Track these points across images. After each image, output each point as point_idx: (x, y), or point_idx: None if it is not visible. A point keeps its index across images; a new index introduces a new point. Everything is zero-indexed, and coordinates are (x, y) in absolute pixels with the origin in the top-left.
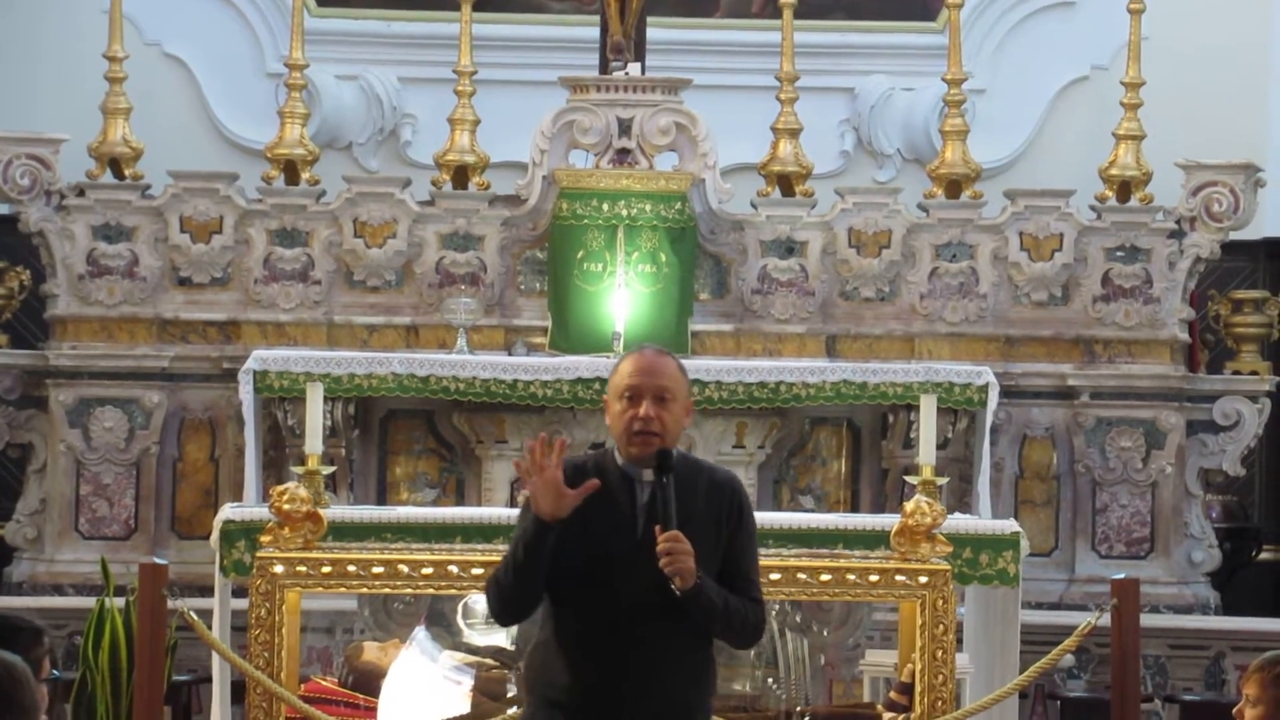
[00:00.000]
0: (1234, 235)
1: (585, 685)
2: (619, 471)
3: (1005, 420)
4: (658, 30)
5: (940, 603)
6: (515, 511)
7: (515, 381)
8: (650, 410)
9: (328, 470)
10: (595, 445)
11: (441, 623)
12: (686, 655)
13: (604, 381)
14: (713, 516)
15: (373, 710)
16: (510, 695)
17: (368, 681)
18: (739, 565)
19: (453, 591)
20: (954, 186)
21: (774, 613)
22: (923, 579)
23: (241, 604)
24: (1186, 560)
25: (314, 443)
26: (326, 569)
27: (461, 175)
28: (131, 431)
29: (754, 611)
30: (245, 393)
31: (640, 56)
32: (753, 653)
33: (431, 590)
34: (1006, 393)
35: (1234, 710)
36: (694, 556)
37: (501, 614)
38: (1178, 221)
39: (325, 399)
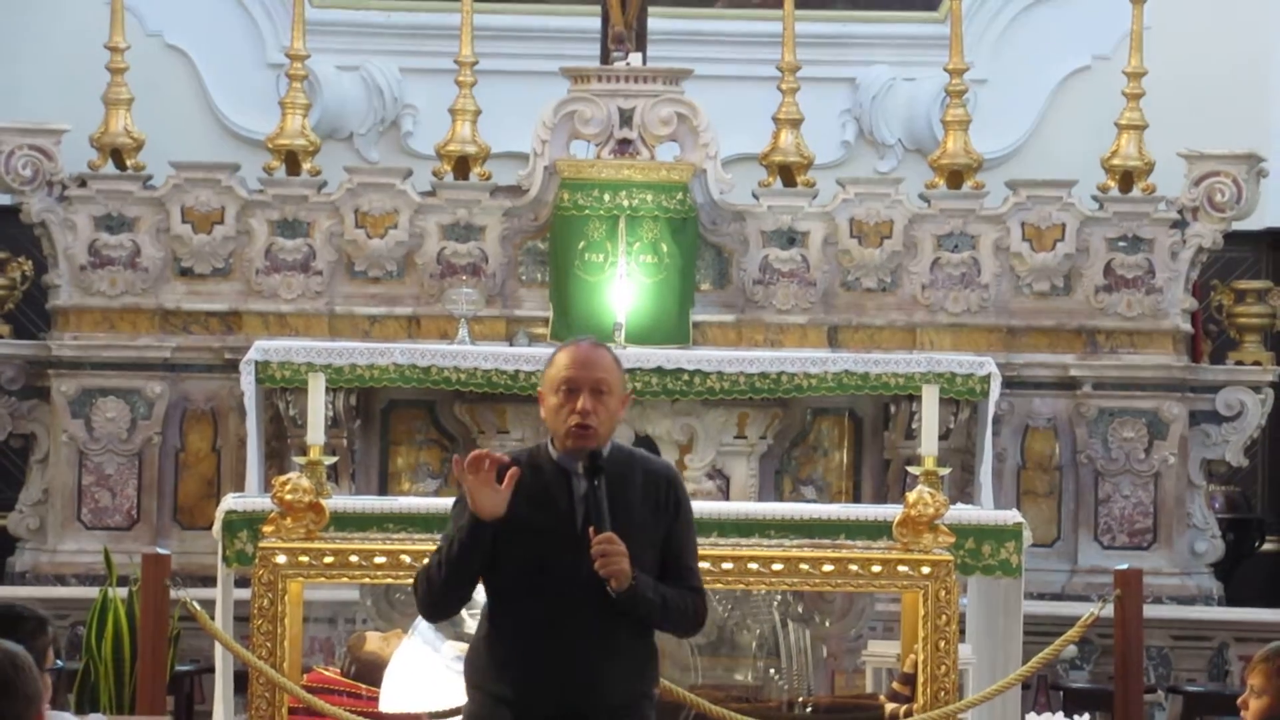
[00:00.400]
0: (1236, 225)
1: (527, 678)
2: (554, 464)
3: (1007, 411)
4: (659, 20)
5: (943, 593)
6: None
7: (517, 372)
8: (587, 404)
9: (329, 461)
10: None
11: None
12: (628, 646)
13: None
14: (650, 508)
15: (375, 700)
16: None
17: (370, 672)
18: (678, 556)
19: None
20: (956, 177)
21: (776, 603)
22: (925, 570)
23: (244, 594)
24: (1189, 551)
25: (316, 433)
26: (329, 559)
27: (463, 166)
28: (134, 422)
29: (694, 602)
30: (247, 383)
31: (641, 47)
32: (754, 643)
33: None
34: (1009, 383)
35: (1238, 701)
36: (629, 556)
37: (431, 610)
38: (1180, 211)
39: (327, 389)
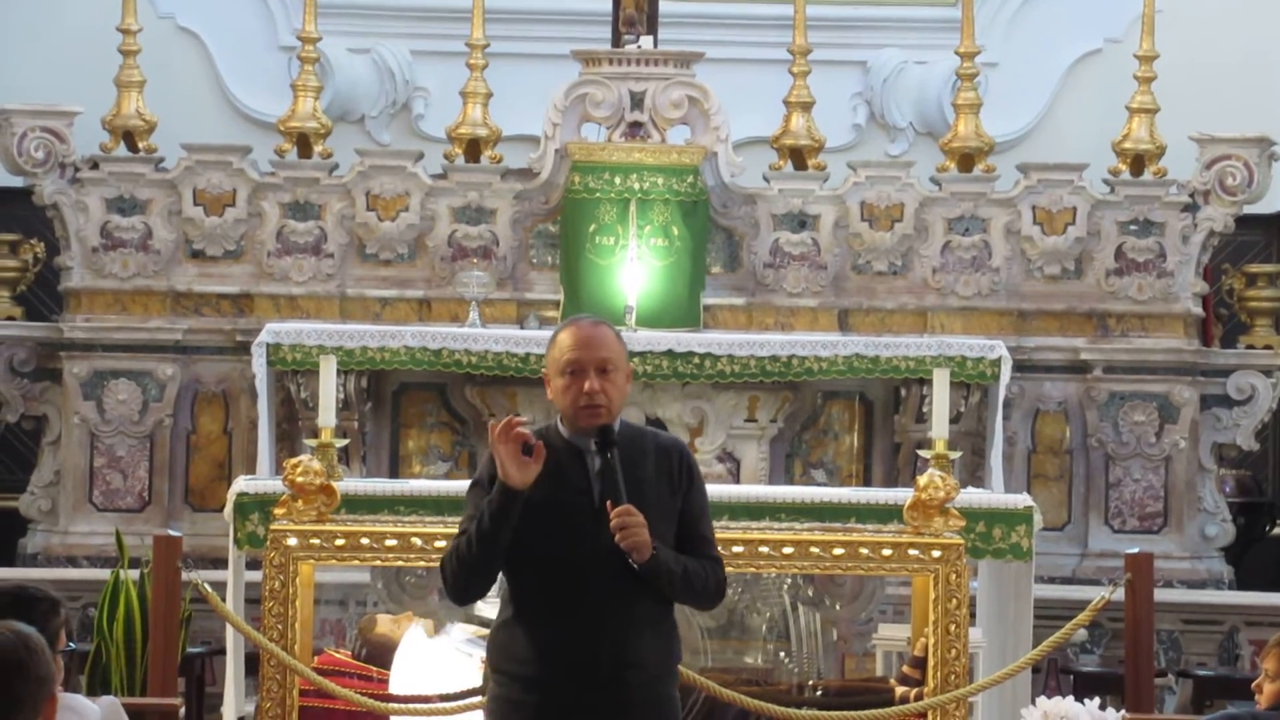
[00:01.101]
0: (1248, 209)
1: (550, 656)
2: (566, 444)
3: (1018, 394)
4: (670, 3)
5: (953, 577)
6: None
7: (527, 355)
8: (595, 384)
9: (340, 443)
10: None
11: None
12: (653, 619)
13: None
14: (664, 480)
15: (385, 682)
16: None
17: (380, 654)
18: (695, 527)
19: None
20: (966, 160)
21: (786, 587)
22: (935, 553)
23: (255, 576)
24: (1200, 535)
25: (327, 416)
26: (340, 541)
27: (474, 148)
28: (145, 404)
29: (714, 571)
30: (258, 365)
31: (653, 30)
32: (765, 627)
33: None
34: (1019, 367)
35: (1253, 685)
36: (647, 526)
37: (461, 591)
38: (1191, 195)
39: (338, 372)
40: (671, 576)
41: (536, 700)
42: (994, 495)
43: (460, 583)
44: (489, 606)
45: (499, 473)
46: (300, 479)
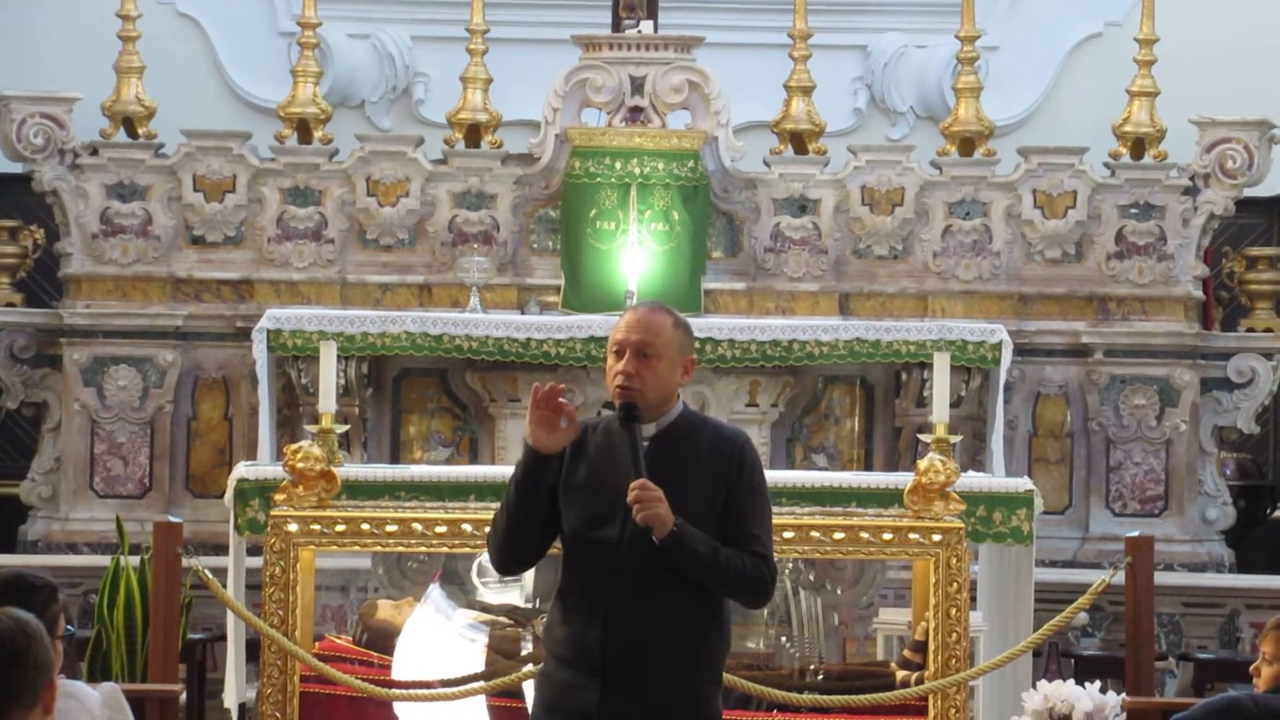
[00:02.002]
0: (1248, 192)
1: (575, 635)
2: (617, 429)
3: (1019, 378)
4: None
5: (954, 561)
6: None
7: (528, 340)
8: (630, 366)
9: (341, 429)
10: (607, 404)
11: (455, 581)
12: (681, 609)
13: None
14: (712, 470)
15: (387, 668)
16: (524, 653)
17: (382, 640)
18: (741, 522)
19: (466, 550)
20: (967, 144)
21: (787, 571)
22: (936, 537)
23: (256, 562)
24: (1201, 518)
25: (327, 401)
26: (340, 527)
27: (474, 134)
28: (146, 390)
29: (754, 565)
30: (259, 351)
31: (653, 14)
32: (766, 611)
33: (445, 549)
34: (1020, 350)
35: (1251, 668)
36: (666, 502)
37: (500, 560)
38: (1192, 178)
39: (339, 358)
40: (696, 557)
41: (565, 679)
42: (994, 479)
43: (496, 551)
44: (491, 592)
45: (527, 432)
46: (301, 465)
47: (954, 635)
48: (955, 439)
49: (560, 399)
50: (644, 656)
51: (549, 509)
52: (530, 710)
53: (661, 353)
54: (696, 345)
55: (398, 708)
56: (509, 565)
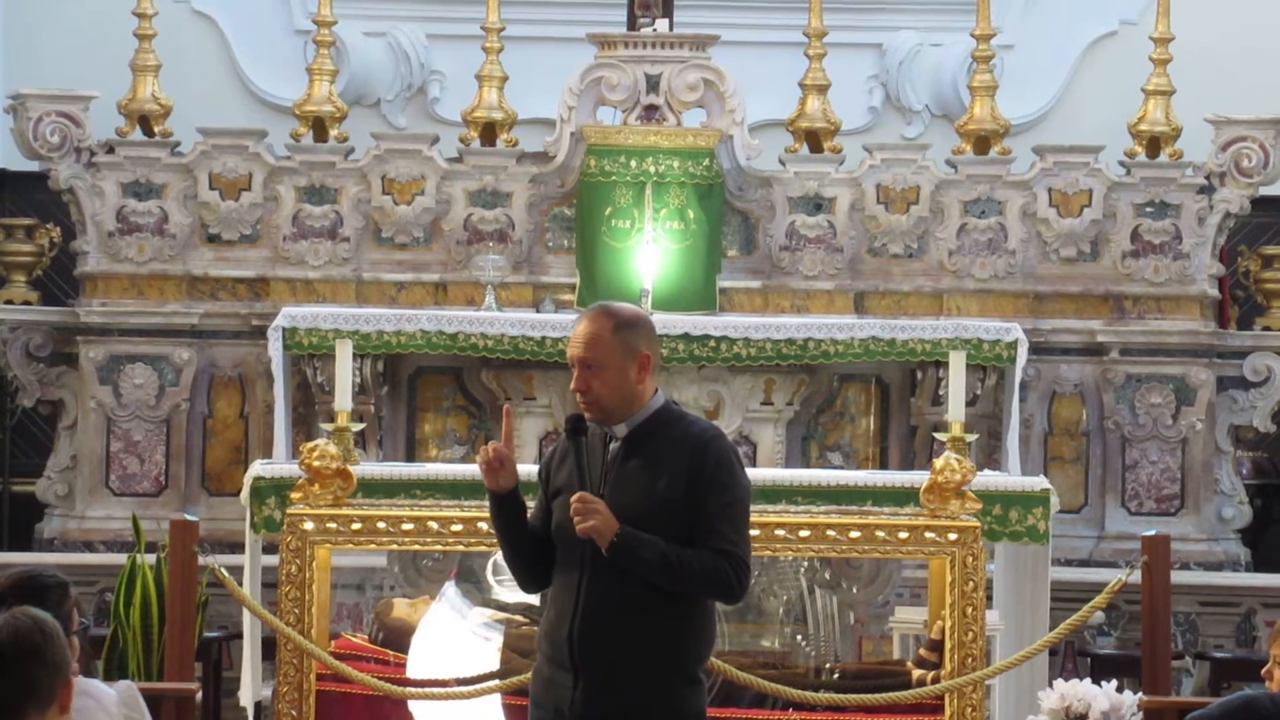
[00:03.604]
0: (1264, 190)
1: (556, 633)
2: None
3: (1034, 377)
4: None
5: (970, 560)
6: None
7: (543, 338)
8: (580, 383)
9: (357, 427)
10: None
11: (471, 579)
12: (661, 606)
13: None
14: (677, 467)
15: (402, 666)
16: None
17: (397, 638)
18: (706, 518)
19: (482, 548)
20: (982, 142)
21: (803, 570)
22: (952, 536)
23: (272, 560)
24: (1217, 517)
25: (343, 399)
26: (356, 525)
27: (489, 132)
28: (162, 388)
29: (715, 563)
30: (275, 349)
31: (668, 12)
32: (781, 610)
33: (461, 547)
34: (1035, 349)
35: (1263, 671)
36: (603, 514)
37: (521, 583)
38: (1207, 177)
39: (354, 356)
40: (643, 563)
41: (547, 674)
42: (1010, 478)
43: (515, 577)
44: (506, 590)
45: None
46: (317, 463)
47: (970, 634)
48: (971, 438)
49: (496, 452)
50: (611, 654)
51: (543, 525)
52: None
53: (604, 362)
54: (711, 344)
55: (413, 706)
56: (526, 585)
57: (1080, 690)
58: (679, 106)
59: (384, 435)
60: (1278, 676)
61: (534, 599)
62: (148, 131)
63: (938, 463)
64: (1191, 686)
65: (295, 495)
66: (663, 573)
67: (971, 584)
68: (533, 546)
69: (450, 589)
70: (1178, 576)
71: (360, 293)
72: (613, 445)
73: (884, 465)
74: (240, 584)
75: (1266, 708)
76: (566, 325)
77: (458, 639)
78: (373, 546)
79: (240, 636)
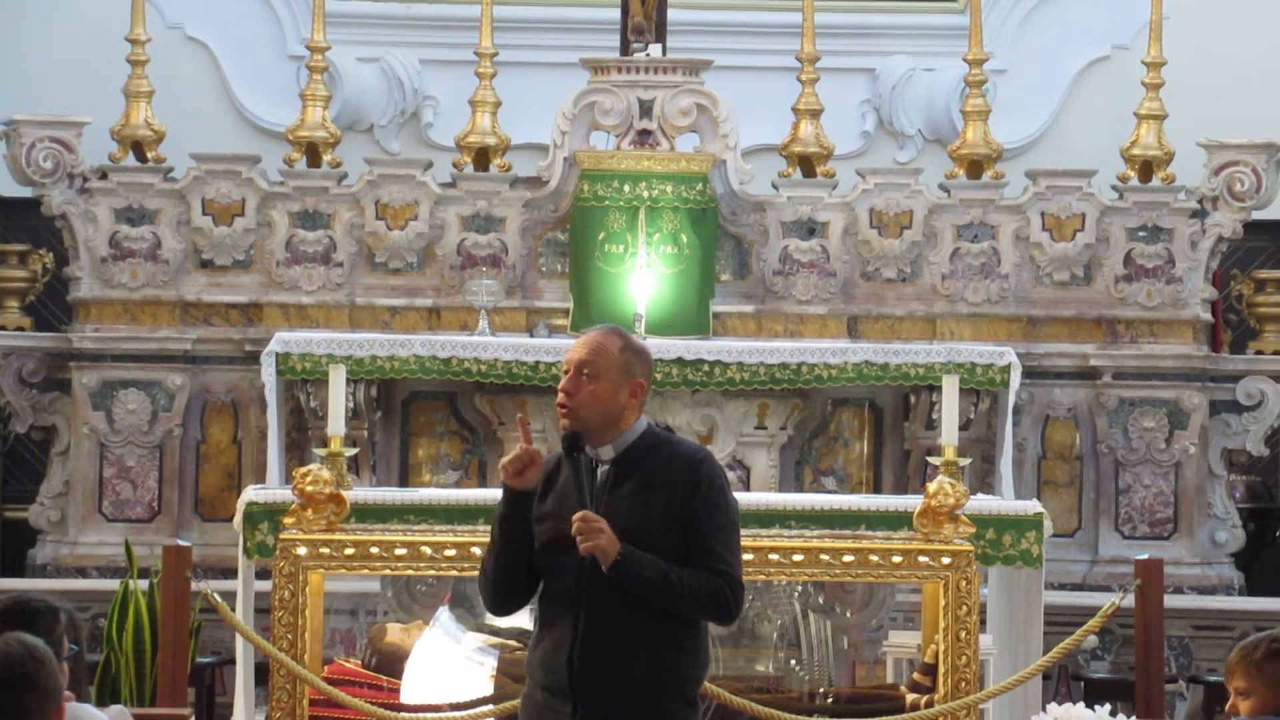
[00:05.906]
0: (1256, 215)
1: (552, 660)
2: (585, 455)
3: (1027, 401)
4: (679, 11)
5: (963, 584)
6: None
7: (537, 363)
8: (568, 384)
9: (350, 452)
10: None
11: (464, 604)
12: (658, 629)
13: None
14: (670, 489)
15: (396, 691)
16: None
17: (391, 663)
18: (701, 539)
19: (475, 573)
20: (975, 167)
21: (797, 594)
22: (945, 560)
23: (265, 586)
24: (1210, 541)
25: (336, 424)
26: (349, 551)
27: (483, 157)
28: (154, 414)
29: (712, 584)
30: (268, 375)
31: (661, 38)
32: (775, 634)
33: (454, 572)
34: (1029, 373)
35: (1226, 707)
36: (606, 533)
37: (492, 601)
38: (1200, 201)
39: (347, 381)
40: (645, 582)
41: (540, 700)
42: (1004, 502)
43: (487, 594)
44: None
45: (502, 473)
46: (310, 488)
47: (963, 658)
48: (964, 462)
49: (528, 452)
50: (612, 679)
51: (532, 543)
52: None
53: (602, 373)
54: (705, 368)
55: None
56: (499, 606)
57: (1074, 714)
58: (672, 131)
59: (377, 460)
60: (1244, 709)
61: (527, 623)
62: (141, 157)
63: (931, 487)
64: (1185, 711)
65: (288, 520)
66: (664, 592)
67: (965, 608)
68: (525, 559)
69: (444, 614)
70: (1171, 600)
71: (354, 318)
72: (601, 469)
73: (877, 490)
74: (233, 609)
75: None
76: (560, 350)
77: (451, 664)
78: (366, 572)
79: (233, 662)
